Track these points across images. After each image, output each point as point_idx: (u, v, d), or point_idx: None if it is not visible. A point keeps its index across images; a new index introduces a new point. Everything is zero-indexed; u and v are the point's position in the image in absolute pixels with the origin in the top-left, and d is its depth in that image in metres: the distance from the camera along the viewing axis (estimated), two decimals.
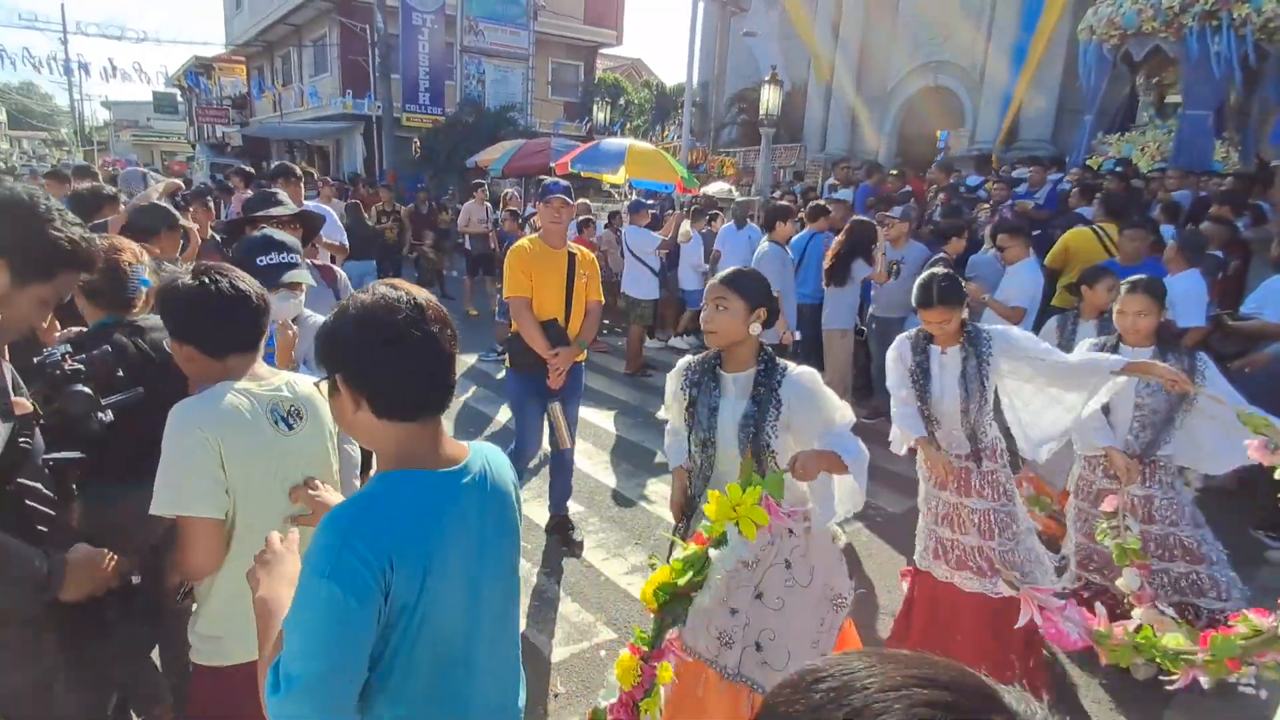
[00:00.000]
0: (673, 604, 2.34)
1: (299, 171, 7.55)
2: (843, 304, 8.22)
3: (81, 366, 2.27)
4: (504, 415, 8.47)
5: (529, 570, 5.21)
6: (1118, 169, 12.22)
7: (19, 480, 2.08)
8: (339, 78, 29.68)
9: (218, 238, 6.01)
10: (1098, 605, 2.83)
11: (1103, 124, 15.20)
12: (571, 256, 5.19)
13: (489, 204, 14.13)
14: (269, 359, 2.88)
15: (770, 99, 15.36)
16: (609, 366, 10.60)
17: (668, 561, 3.42)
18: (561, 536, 5.55)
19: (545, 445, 5.57)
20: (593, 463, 7.12)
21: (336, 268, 5.05)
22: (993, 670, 3.70)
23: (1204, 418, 4.06)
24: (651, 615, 2.42)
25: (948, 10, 19.07)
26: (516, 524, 1.95)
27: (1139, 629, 2.56)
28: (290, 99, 34.63)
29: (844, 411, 3.10)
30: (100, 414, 2.32)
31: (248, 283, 2.35)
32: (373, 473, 1.77)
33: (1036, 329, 5.77)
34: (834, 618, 3.21)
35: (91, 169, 11.73)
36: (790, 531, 3.09)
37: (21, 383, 2.19)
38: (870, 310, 8.39)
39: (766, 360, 3.12)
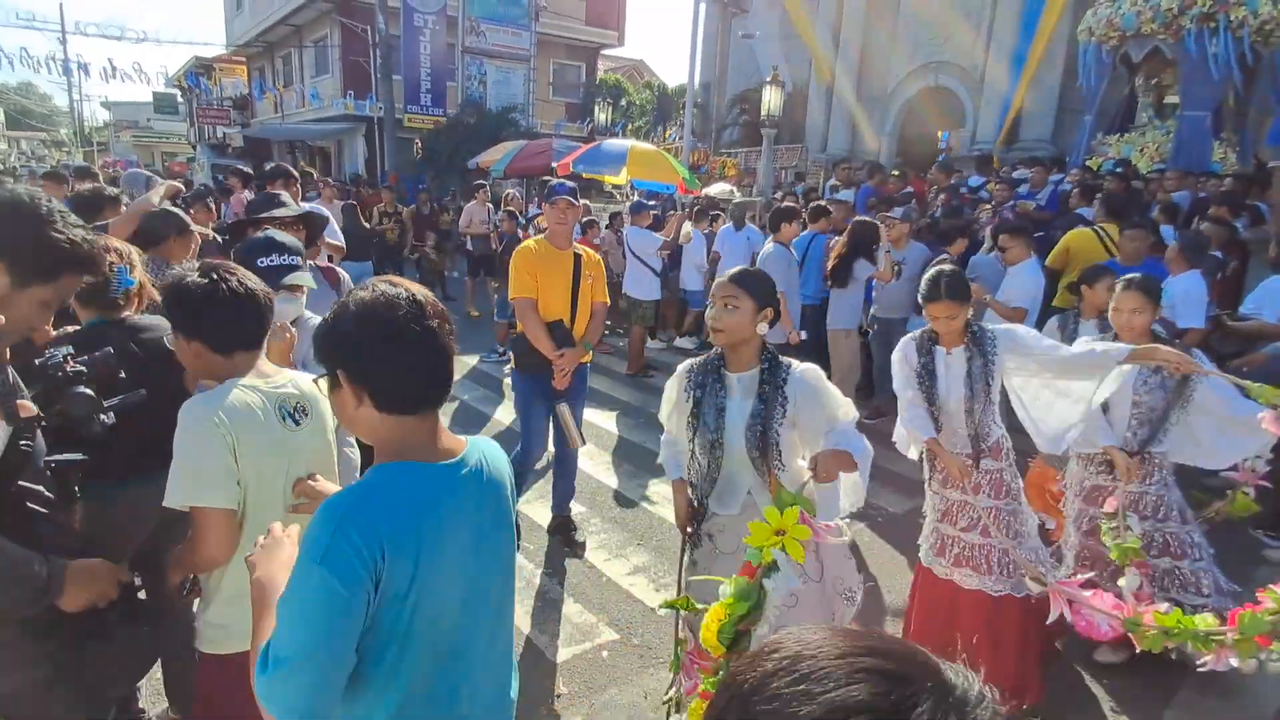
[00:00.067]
0: (738, 642, 2.30)
1: (295, 172, 7.56)
2: (846, 304, 8.23)
3: (83, 368, 2.28)
4: (505, 415, 8.50)
5: (532, 571, 5.24)
6: (1118, 170, 12.25)
7: (20, 483, 2.08)
8: (340, 79, 29.67)
9: (219, 239, 6.02)
10: (1145, 588, 2.84)
11: (1102, 125, 15.24)
12: (577, 258, 5.20)
13: (490, 205, 14.14)
14: None
15: (772, 100, 15.39)
16: (611, 367, 10.61)
17: (680, 574, 3.45)
18: (564, 537, 5.56)
19: (549, 446, 5.58)
20: (594, 464, 7.14)
21: (339, 269, 5.06)
22: (989, 668, 3.72)
23: (1201, 414, 4.08)
24: (692, 648, 2.45)
25: (948, 11, 19.09)
26: (511, 517, 1.97)
27: (1168, 613, 2.56)
28: (291, 100, 34.63)
29: (847, 408, 3.12)
30: (102, 416, 2.33)
31: (254, 281, 2.42)
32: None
33: (1038, 329, 5.79)
34: (845, 611, 3.24)
35: (92, 170, 11.73)
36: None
37: (22, 385, 2.20)
38: (871, 311, 8.39)
39: (770, 359, 3.13)
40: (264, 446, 2.29)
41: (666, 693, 3.34)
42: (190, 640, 3.38)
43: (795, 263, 8.24)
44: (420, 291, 1.78)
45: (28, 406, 1.91)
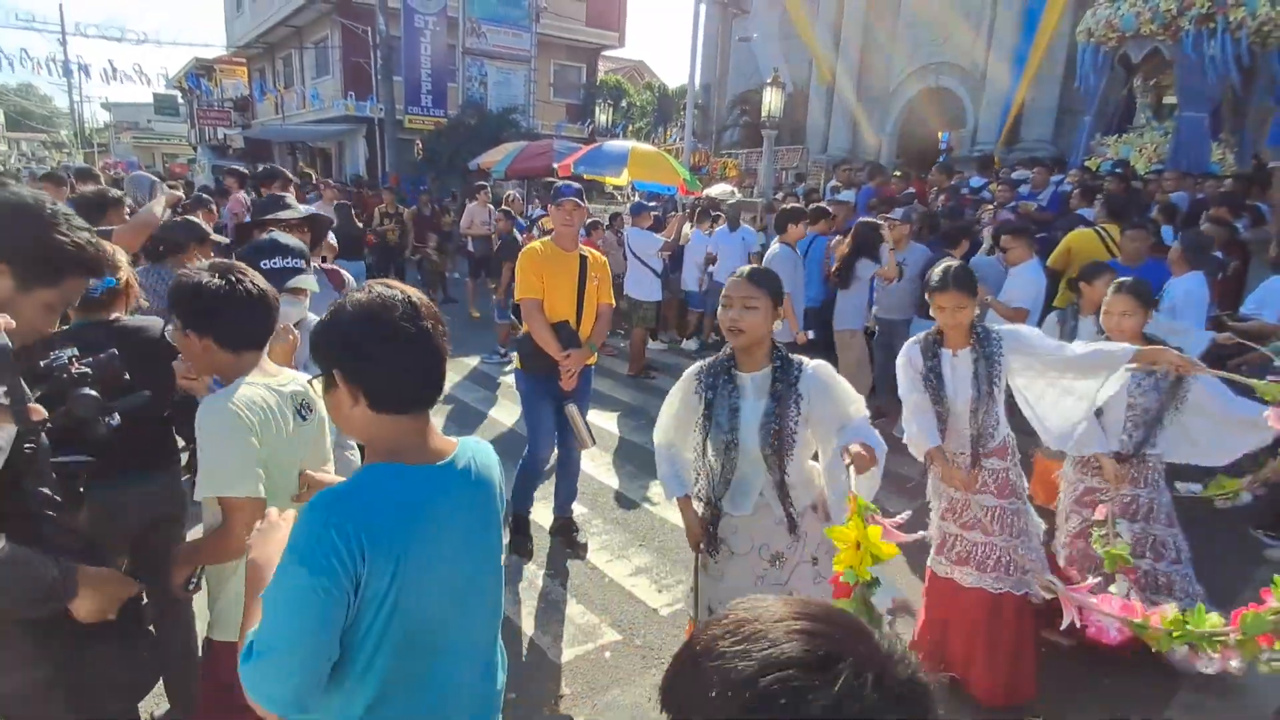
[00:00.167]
0: None
1: (290, 174, 7.57)
2: (851, 304, 8.21)
3: (88, 370, 2.30)
4: (506, 417, 8.50)
5: (534, 572, 5.26)
6: (1117, 170, 12.26)
7: (25, 485, 2.08)
8: (341, 80, 29.70)
9: (222, 240, 6.03)
10: (1133, 595, 2.85)
11: (1100, 125, 15.26)
12: (583, 259, 5.20)
13: (492, 206, 14.16)
14: None
15: (773, 101, 15.39)
16: (612, 369, 10.61)
17: (695, 581, 3.44)
18: (566, 539, 5.57)
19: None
20: (596, 465, 7.14)
21: (343, 271, 5.07)
22: (984, 665, 3.73)
23: (1197, 414, 4.09)
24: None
25: (948, 11, 19.11)
26: (499, 516, 2.02)
27: (1173, 616, 2.57)
28: (292, 101, 34.66)
29: (859, 404, 3.12)
30: (108, 417, 2.34)
31: (264, 283, 2.51)
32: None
33: (1037, 328, 5.82)
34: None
35: (93, 171, 11.70)
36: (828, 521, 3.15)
37: (26, 388, 2.20)
38: (873, 311, 8.40)
39: (781, 357, 3.13)
40: (279, 440, 2.40)
41: None
42: (190, 641, 3.41)
43: (801, 264, 8.26)
44: (415, 294, 1.82)
45: (38, 409, 1.90)
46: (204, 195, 11.29)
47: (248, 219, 7.32)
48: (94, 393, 2.23)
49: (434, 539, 1.76)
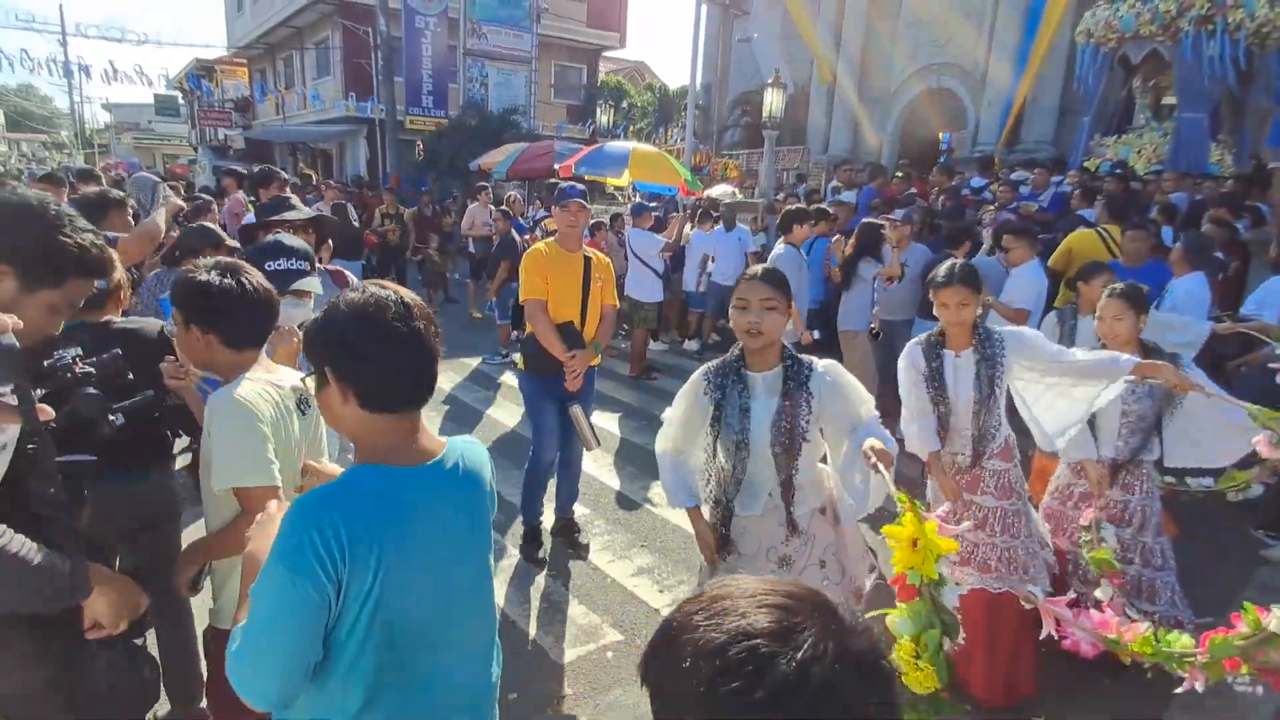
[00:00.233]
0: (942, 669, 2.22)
1: (285, 175, 7.57)
2: (855, 305, 8.22)
3: (92, 369, 2.30)
4: (507, 417, 8.51)
5: (536, 573, 5.26)
6: (1116, 171, 12.28)
7: (28, 485, 2.08)
8: (342, 80, 29.75)
9: (235, 247, 6.05)
10: (1108, 610, 2.87)
11: (1100, 126, 15.28)
12: (587, 260, 5.21)
13: (493, 207, 14.17)
14: None
15: (774, 102, 15.37)
16: (613, 369, 10.62)
17: (701, 585, 3.42)
18: (568, 539, 5.57)
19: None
20: (598, 465, 7.16)
21: (347, 272, 5.09)
22: (984, 664, 3.74)
23: (1192, 419, 4.11)
24: None
25: (949, 12, 19.09)
26: (488, 514, 2.06)
27: (1145, 635, 2.60)
28: (293, 102, 34.70)
29: (869, 404, 3.13)
30: (112, 417, 2.35)
31: (265, 281, 2.58)
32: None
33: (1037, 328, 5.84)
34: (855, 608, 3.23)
35: (94, 172, 11.72)
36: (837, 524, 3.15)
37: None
38: (874, 312, 8.40)
39: (791, 357, 3.12)
40: (285, 433, 2.47)
41: None
42: (190, 641, 3.42)
43: (805, 264, 8.27)
44: (408, 295, 1.84)
45: (46, 410, 1.91)
46: (205, 196, 11.33)
47: (247, 218, 7.34)
48: (98, 392, 2.24)
49: (420, 538, 1.79)
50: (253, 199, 8.80)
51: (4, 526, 1.81)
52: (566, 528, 5.62)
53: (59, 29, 38.96)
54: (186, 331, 2.50)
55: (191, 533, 4.25)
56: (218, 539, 2.52)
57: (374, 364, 1.76)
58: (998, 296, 6.74)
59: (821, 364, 3.12)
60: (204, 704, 3.36)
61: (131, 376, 2.43)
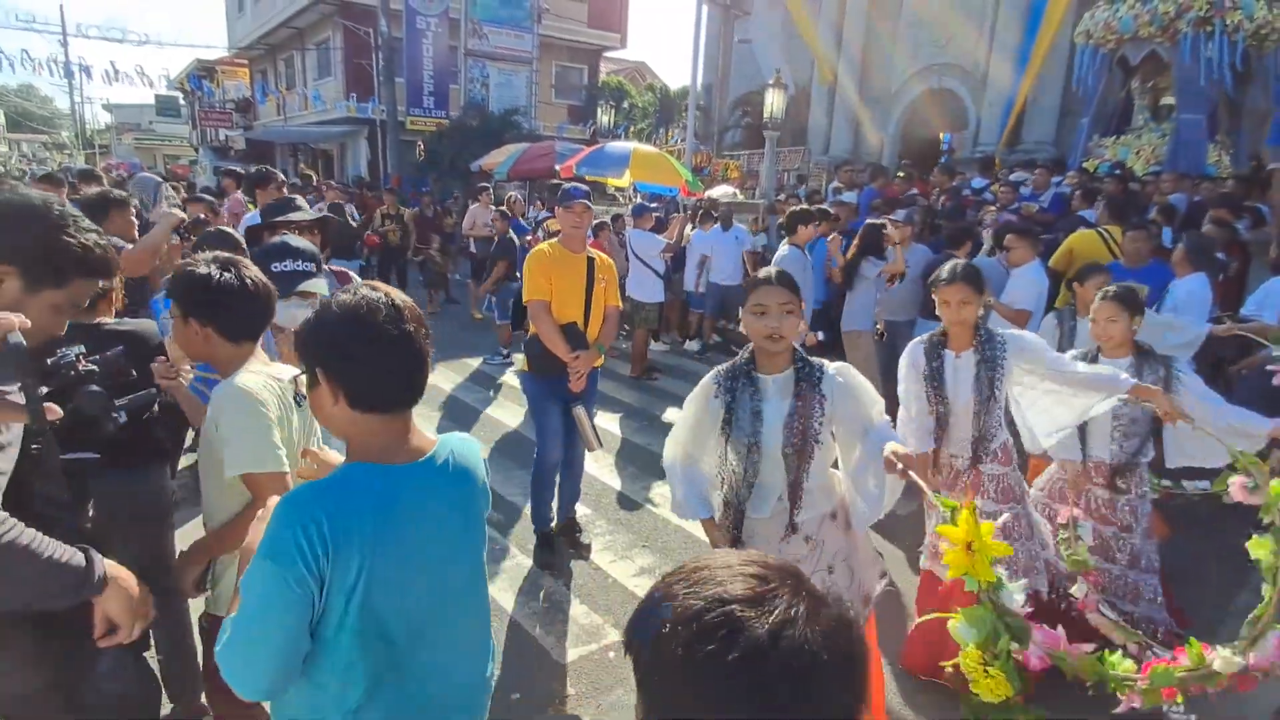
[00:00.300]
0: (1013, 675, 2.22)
1: (281, 176, 7.57)
2: (859, 304, 8.21)
3: (95, 367, 2.31)
4: (508, 418, 8.52)
5: (537, 573, 5.26)
6: (1115, 172, 12.30)
7: (32, 485, 2.08)
8: (343, 81, 29.76)
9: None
10: (1060, 628, 2.91)
11: (1099, 127, 15.30)
12: (590, 261, 5.20)
13: (494, 207, 14.17)
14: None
15: (775, 102, 15.39)
16: (614, 370, 10.62)
17: None
18: (569, 539, 5.58)
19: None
20: (599, 466, 7.16)
21: (351, 273, 5.10)
22: None
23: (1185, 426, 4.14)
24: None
25: (949, 13, 19.09)
26: (480, 510, 2.09)
27: (1092, 652, 2.65)
28: (294, 102, 34.72)
29: (880, 407, 3.11)
30: (115, 415, 2.36)
31: (263, 276, 2.64)
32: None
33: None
34: (863, 614, 3.21)
35: (96, 173, 11.74)
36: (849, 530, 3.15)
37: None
38: (875, 312, 8.39)
39: (801, 359, 3.10)
40: (286, 419, 2.55)
41: None
42: (187, 638, 3.43)
43: (810, 266, 8.27)
44: (398, 296, 1.86)
45: (54, 409, 1.91)
46: (207, 196, 11.33)
47: (247, 218, 7.34)
48: (101, 390, 2.25)
49: (412, 536, 1.83)
50: (250, 200, 8.81)
51: (13, 520, 1.81)
52: (568, 528, 5.62)
53: (59, 29, 39.02)
54: (185, 325, 2.54)
55: (189, 532, 4.29)
56: (222, 534, 2.56)
57: (364, 365, 1.79)
58: (998, 297, 6.75)
59: (833, 366, 3.10)
60: (203, 699, 3.37)
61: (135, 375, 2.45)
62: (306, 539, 1.66)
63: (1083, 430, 4.26)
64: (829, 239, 8.79)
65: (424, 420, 1.96)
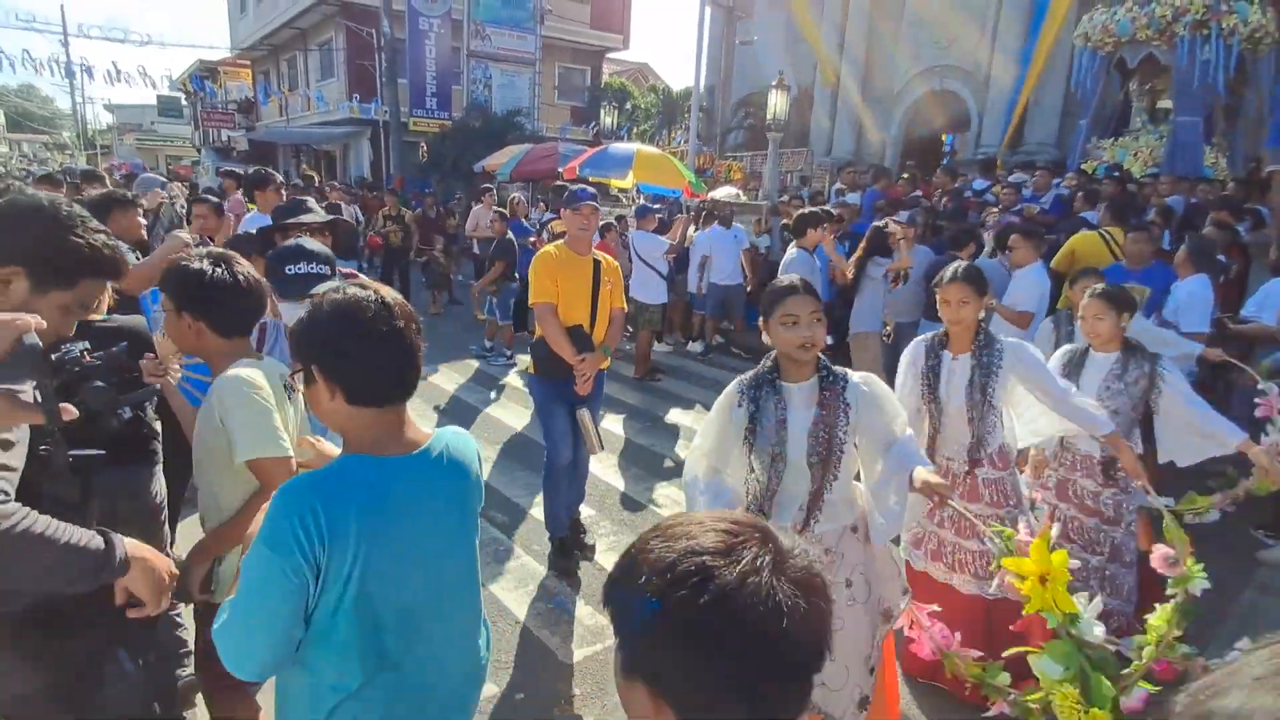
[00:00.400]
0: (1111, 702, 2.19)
1: (279, 177, 7.56)
2: (867, 305, 8.21)
3: (99, 363, 2.33)
4: (512, 419, 8.52)
5: (542, 574, 5.29)
6: (1113, 174, 12.34)
7: (40, 485, 2.09)
8: (345, 82, 29.76)
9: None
10: (956, 634, 2.97)
11: (1097, 129, 15.34)
12: (596, 263, 5.17)
13: (497, 208, 14.19)
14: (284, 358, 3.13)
15: (778, 104, 15.38)
16: (618, 371, 10.62)
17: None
18: (573, 540, 5.59)
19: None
20: (603, 466, 7.17)
21: (360, 274, 5.11)
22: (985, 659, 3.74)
23: (1168, 420, 4.17)
24: None
25: (952, 15, 19.11)
26: (474, 503, 2.17)
27: (974, 662, 2.73)
28: (296, 103, 34.72)
29: (903, 419, 3.10)
30: (120, 410, 2.38)
31: (255, 273, 2.70)
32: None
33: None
34: (883, 630, 3.19)
35: (98, 173, 11.78)
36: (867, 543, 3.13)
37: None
38: (884, 314, 8.39)
39: (825, 367, 3.07)
40: (283, 408, 2.61)
41: None
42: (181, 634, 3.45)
43: (817, 269, 8.28)
44: (389, 293, 1.93)
45: (70, 409, 1.93)
46: (211, 198, 11.35)
47: (247, 219, 7.34)
48: (106, 385, 2.26)
49: (404, 524, 1.89)
50: (250, 201, 8.81)
51: (27, 509, 1.83)
52: (573, 529, 5.63)
53: (60, 29, 39.02)
54: (178, 318, 2.58)
55: (184, 530, 4.31)
56: (223, 532, 2.59)
57: (357, 362, 1.85)
58: (1001, 299, 6.76)
59: (857, 375, 3.08)
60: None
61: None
62: (303, 528, 1.73)
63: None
64: (825, 239, 8.80)
65: (426, 421, 2.01)
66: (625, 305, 5.54)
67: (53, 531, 1.86)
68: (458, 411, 8.79)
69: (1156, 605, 2.70)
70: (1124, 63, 14.58)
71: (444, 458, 2.02)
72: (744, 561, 1.01)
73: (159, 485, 3.38)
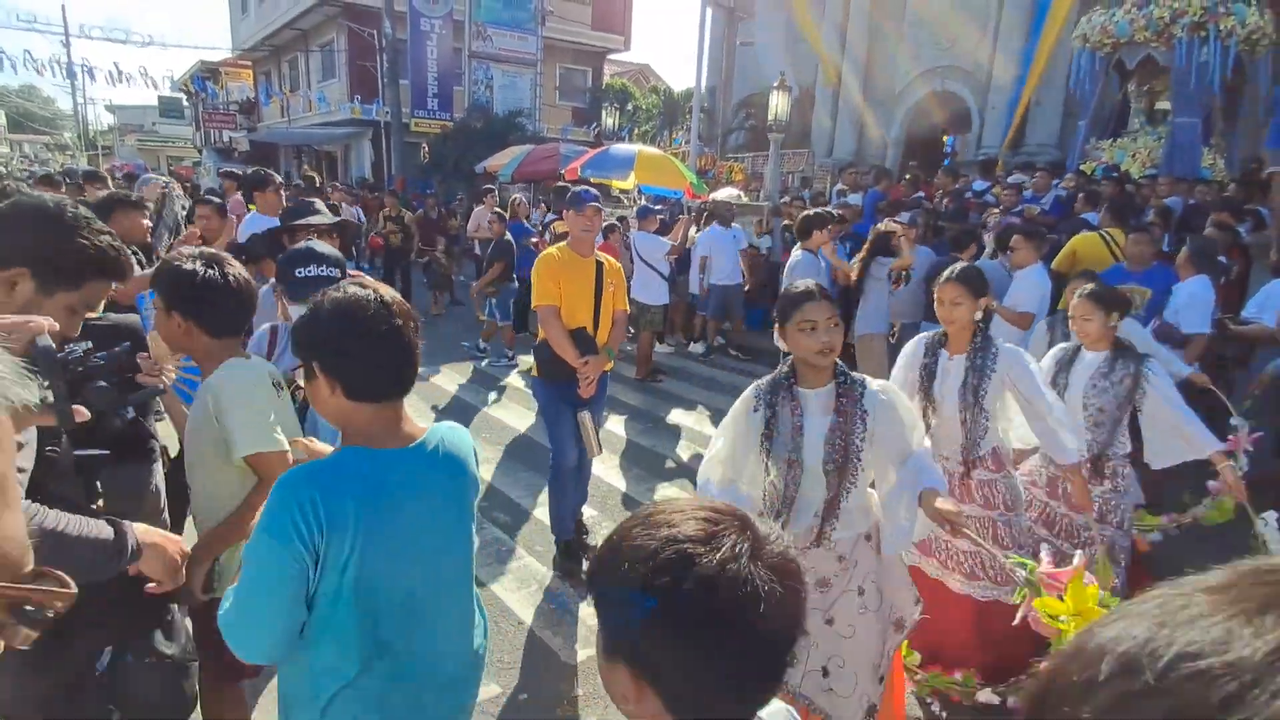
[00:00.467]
0: None
1: (279, 178, 7.55)
2: (873, 307, 8.19)
3: (102, 363, 2.34)
4: (516, 420, 8.54)
5: (545, 575, 5.30)
6: (1111, 175, 12.38)
7: (47, 487, 2.09)
8: (347, 83, 29.77)
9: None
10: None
11: (1096, 130, 15.38)
12: (599, 265, 5.16)
13: (498, 209, 14.19)
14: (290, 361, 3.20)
15: (779, 105, 15.38)
16: (619, 372, 10.60)
17: None
18: (578, 541, 5.59)
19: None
20: (605, 468, 7.18)
21: (366, 277, 5.12)
22: (978, 658, 3.75)
23: (1153, 421, 4.19)
24: None
25: (953, 15, 19.11)
26: (468, 493, 2.23)
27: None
28: (298, 104, 34.70)
29: (919, 432, 3.09)
30: (123, 410, 2.39)
31: (246, 274, 2.75)
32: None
33: None
34: (895, 639, 3.19)
35: (101, 174, 11.80)
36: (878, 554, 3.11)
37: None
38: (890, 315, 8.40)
39: (843, 373, 3.04)
40: (277, 404, 2.68)
41: None
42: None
43: (824, 270, 8.28)
44: (388, 293, 2.00)
45: (82, 411, 1.94)
46: (214, 199, 11.36)
47: (247, 219, 7.34)
48: (109, 385, 2.27)
49: (399, 513, 1.96)
50: (250, 202, 8.81)
51: (40, 505, 1.84)
52: (576, 530, 5.64)
53: (62, 30, 39.02)
54: (168, 317, 2.61)
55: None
56: (223, 532, 2.61)
57: (357, 360, 1.92)
58: (1001, 300, 6.77)
59: (876, 383, 3.05)
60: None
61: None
62: (302, 517, 1.80)
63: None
64: (823, 242, 8.80)
65: (427, 421, 2.05)
66: (627, 306, 5.54)
67: (65, 525, 1.87)
68: (459, 412, 8.79)
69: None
70: (1122, 64, 14.63)
71: (439, 451, 2.09)
72: (724, 549, 1.06)
73: (158, 481, 3.41)
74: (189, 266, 2.57)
